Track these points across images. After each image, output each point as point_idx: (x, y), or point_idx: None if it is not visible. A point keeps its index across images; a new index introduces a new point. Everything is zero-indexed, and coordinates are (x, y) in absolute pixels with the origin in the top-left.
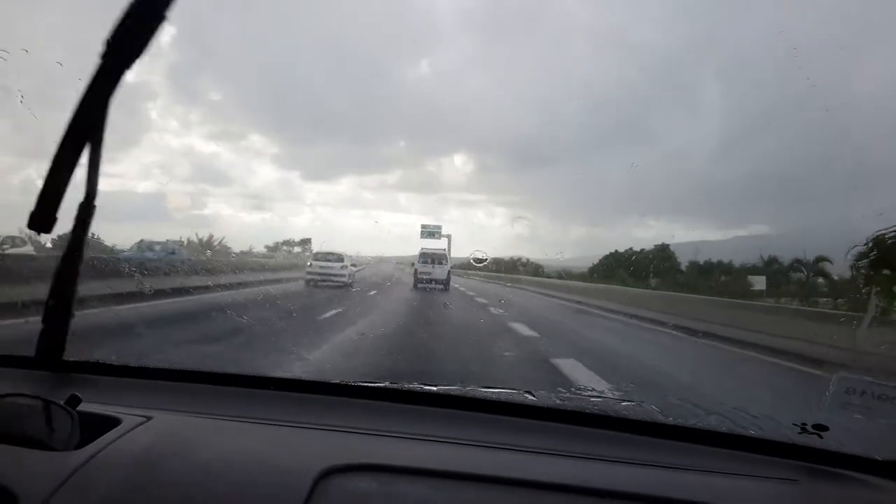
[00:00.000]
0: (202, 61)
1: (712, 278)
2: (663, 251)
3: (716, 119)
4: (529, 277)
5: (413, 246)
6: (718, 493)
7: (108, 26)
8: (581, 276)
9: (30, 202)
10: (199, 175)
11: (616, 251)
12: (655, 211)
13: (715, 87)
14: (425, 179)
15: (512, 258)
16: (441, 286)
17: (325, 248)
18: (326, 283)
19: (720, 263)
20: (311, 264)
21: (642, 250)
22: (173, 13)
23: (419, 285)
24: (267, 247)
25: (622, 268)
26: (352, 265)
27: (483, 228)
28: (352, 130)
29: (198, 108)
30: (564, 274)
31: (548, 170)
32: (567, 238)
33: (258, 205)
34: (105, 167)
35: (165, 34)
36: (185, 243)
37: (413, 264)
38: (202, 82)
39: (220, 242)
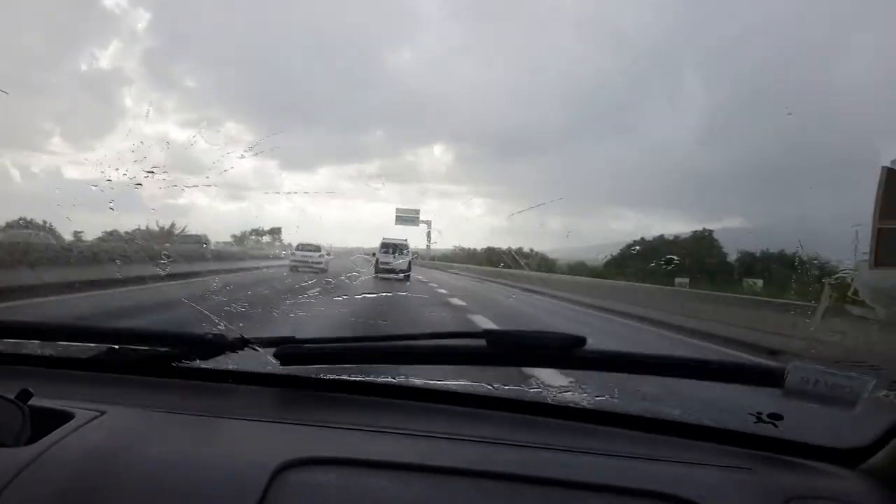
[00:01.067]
0: (178, 47)
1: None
2: (703, 239)
3: (696, 111)
4: (542, 275)
5: (391, 236)
6: (671, 481)
7: (81, 12)
8: (596, 272)
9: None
10: (174, 163)
11: (643, 238)
12: (632, 202)
13: (696, 79)
14: (404, 169)
15: (510, 249)
16: (401, 276)
17: (303, 240)
18: (307, 269)
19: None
20: (294, 253)
21: (677, 237)
22: None
23: (379, 275)
24: (234, 236)
25: (654, 261)
26: (327, 254)
27: (464, 220)
28: (330, 119)
29: (173, 94)
30: (576, 269)
31: (527, 160)
32: (545, 229)
33: (234, 194)
34: (79, 154)
35: (140, 19)
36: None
37: (374, 254)
38: (178, 69)
39: (181, 232)
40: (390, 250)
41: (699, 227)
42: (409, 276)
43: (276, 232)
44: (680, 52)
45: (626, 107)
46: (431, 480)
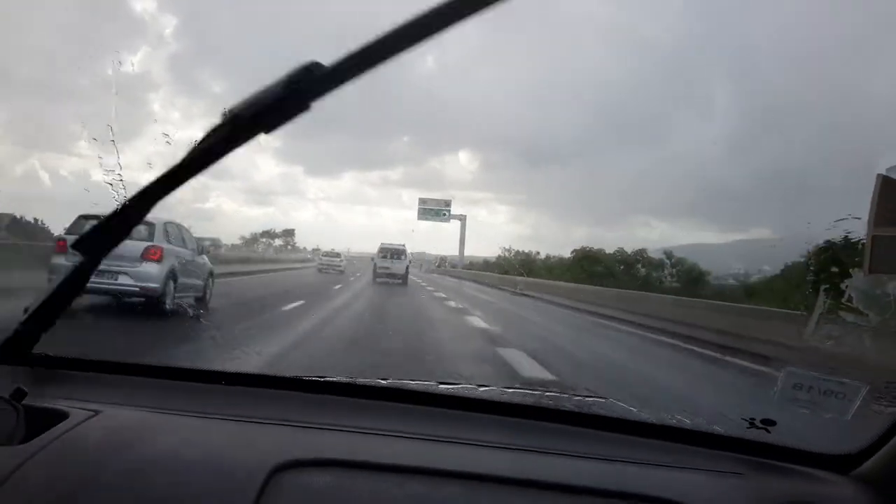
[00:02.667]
0: (204, 52)
1: None
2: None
3: (723, 120)
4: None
5: (412, 242)
6: (663, 485)
7: (109, 17)
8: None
9: (33, 192)
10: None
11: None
12: (659, 212)
13: (724, 88)
14: (429, 176)
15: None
16: (399, 281)
17: (325, 246)
18: (330, 271)
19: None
20: (321, 259)
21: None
22: (174, 4)
23: (378, 280)
24: (242, 238)
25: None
26: (343, 260)
27: (489, 226)
28: (355, 125)
29: (200, 99)
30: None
31: (553, 168)
32: (569, 237)
33: (261, 199)
34: (107, 158)
35: (167, 24)
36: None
37: (372, 259)
38: (204, 74)
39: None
40: (388, 255)
41: (726, 237)
42: (406, 280)
43: (289, 234)
44: (707, 61)
45: (652, 116)
46: (426, 483)
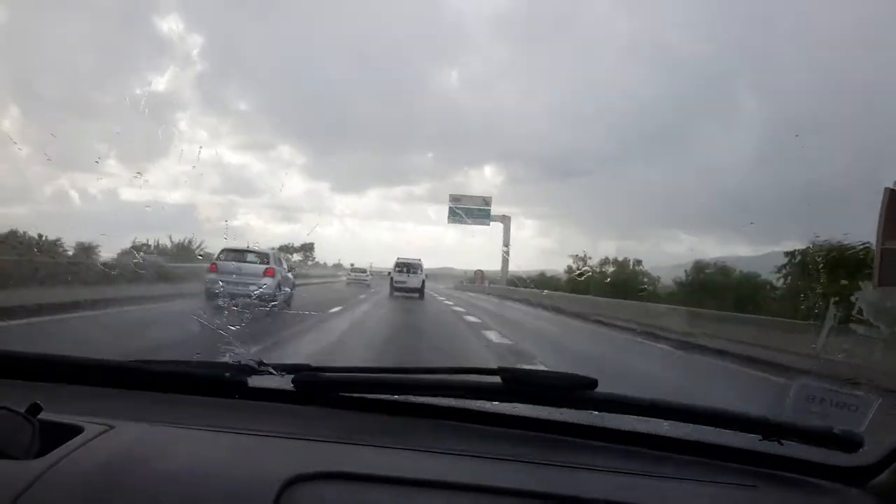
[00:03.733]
0: (229, 71)
1: None
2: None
3: (750, 131)
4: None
5: (435, 257)
6: (678, 498)
7: (137, 37)
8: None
9: (63, 211)
10: (228, 186)
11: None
12: (687, 225)
13: (751, 98)
14: (454, 191)
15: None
16: (416, 294)
17: (352, 261)
18: (358, 284)
19: None
20: (350, 274)
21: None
22: (201, 23)
23: (395, 294)
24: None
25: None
26: (369, 275)
27: (515, 241)
28: (380, 141)
29: (226, 118)
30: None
31: (579, 181)
32: (596, 251)
33: (287, 216)
34: (134, 177)
35: (193, 44)
36: (153, 248)
37: (389, 273)
38: (230, 92)
39: (199, 247)
40: (404, 270)
41: (757, 250)
42: (423, 294)
43: (308, 248)
44: (733, 72)
45: (679, 128)
46: (439, 496)
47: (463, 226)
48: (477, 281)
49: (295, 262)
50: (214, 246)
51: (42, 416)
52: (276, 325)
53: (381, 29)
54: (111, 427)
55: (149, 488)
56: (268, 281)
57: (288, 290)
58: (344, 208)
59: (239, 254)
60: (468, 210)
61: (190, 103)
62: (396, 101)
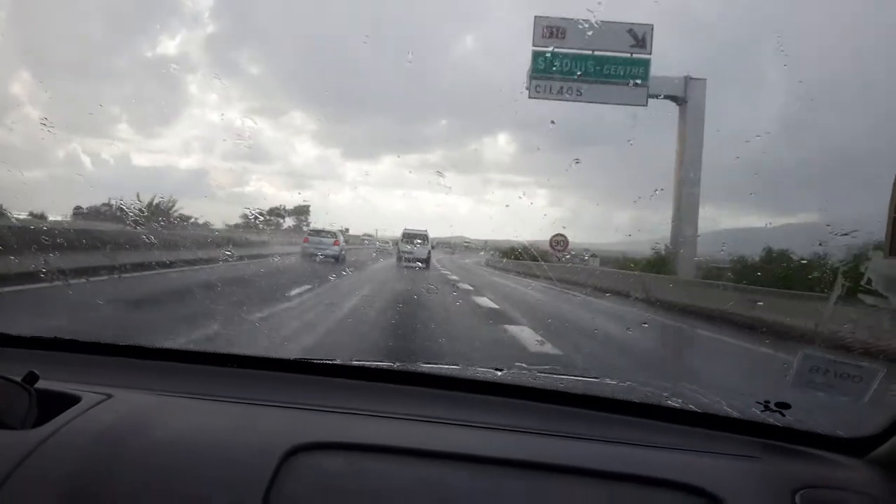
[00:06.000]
0: (241, 33)
1: None
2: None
3: (771, 100)
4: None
5: (451, 227)
6: (680, 469)
7: None
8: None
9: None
10: (239, 151)
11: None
12: (703, 196)
13: (773, 67)
14: (468, 159)
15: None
16: (422, 264)
17: (308, 222)
18: (316, 256)
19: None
20: (306, 239)
21: None
22: None
23: (402, 263)
24: (245, 217)
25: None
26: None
27: (528, 210)
28: (393, 107)
29: (238, 82)
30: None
31: (594, 150)
32: (610, 221)
33: (299, 183)
34: (147, 142)
35: (205, 6)
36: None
37: (396, 243)
38: (241, 55)
39: (174, 210)
40: (411, 240)
41: (772, 221)
42: (429, 264)
43: (302, 211)
44: (756, 38)
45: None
46: (437, 465)
47: (571, 103)
48: (558, 253)
49: (287, 227)
50: (192, 209)
51: (39, 385)
52: (337, 268)
53: None
54: (109, 396)
55: (146, 458)
56: (335, 248)
57: (343, 253)
58: (356, 175)
59: (317, 232)
60: (596, 62)
61: (200, 66)
62: (412, 66)
